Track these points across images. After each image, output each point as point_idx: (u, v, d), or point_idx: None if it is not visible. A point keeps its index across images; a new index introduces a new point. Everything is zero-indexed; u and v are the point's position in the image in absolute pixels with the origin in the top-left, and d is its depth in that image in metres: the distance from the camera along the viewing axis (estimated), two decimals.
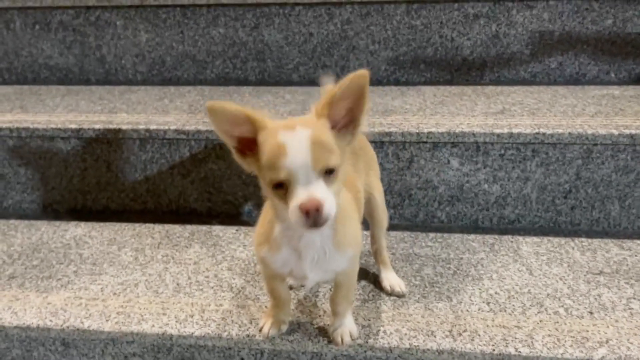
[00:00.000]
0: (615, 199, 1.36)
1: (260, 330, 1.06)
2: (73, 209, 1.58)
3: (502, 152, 1.36)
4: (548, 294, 1.15)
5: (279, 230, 0.89)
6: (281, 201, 0.79)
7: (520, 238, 1.35)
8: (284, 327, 1.06)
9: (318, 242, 0.88)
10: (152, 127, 1.44)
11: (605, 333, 1.03)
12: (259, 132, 0.78)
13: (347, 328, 1.04)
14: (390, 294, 1.16)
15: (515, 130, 1.32)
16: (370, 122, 1.41)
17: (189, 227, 1.45)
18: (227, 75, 1.84)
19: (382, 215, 1.15)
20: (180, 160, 1.48)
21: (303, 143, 0.74)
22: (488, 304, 1.12)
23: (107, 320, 1.12)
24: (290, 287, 1.17)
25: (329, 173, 0.77)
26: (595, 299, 1.13)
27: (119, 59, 1.87)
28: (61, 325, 1.11)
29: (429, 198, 1.43)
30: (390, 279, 1.18)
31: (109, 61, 1.88)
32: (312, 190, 0.75)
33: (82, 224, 1.49)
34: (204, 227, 1.44)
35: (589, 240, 1.33)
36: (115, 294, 1.20)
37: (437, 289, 1.17)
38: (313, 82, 1.79)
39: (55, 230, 1.46)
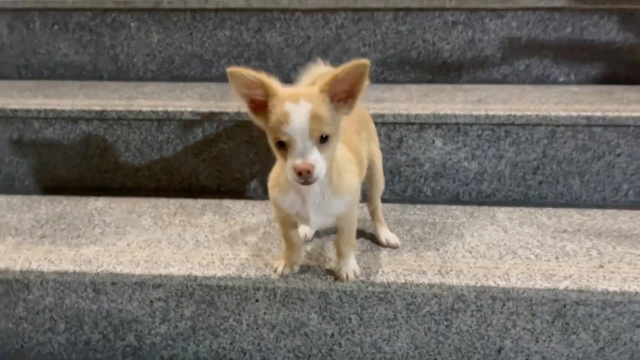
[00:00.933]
0: (576, 174, 1.57)
1: (275, 271, 1.22)
2: (91, 187, 1.71)
3: (480, 132, 1.56)
4: (520, 246, 1.33)
5: (286, 177, 1.04)
6: (282, 157, 0.96)
7: (496, 208, 1.54)
8: (296, 268, 1.22)
9: (317, 189, 1.05)
10: (170, 108, 1.61)
11: (569, 271, 1.22)
12: (269, 97, 0.95)
13: (351, 267, 1.21)
14: (386, 246, 1.34)
15: (490, 113, 1.53)
16: (365, 107, 1.60)
17: (201, 201, 1.60)
18: None
19: (380, 179, 1.34)
20: (193, 141, 1.65)
21: (303, 115, 0.91)
22: (470, 252, 1.30)
23: (137, 266, 1.26)
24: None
25: (323, 141, 0.94)
26: (560, 248, 1.32)
27: (131, 58, 2.04)
28: (95, 270, 1.25)
29: (416, 175, 1.61)
30: (386, 233, 1.36)
31: (121, 59, 2.04)
32: (306, 155, 0.92)
33: (101, 198, 1.63)
34: (215, 201, 1.60)
35: (555, 209, 1.53)
36: (141, 247, 1.34)
37: (426, 243, 1.35)
38: None
39: (76, 203, 1.60)
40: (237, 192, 1.68)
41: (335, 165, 1.04)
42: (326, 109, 0.94)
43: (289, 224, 1.17)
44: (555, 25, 1.89)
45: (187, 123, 1.62)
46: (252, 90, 0.96)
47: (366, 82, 0.96)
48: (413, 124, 1.56)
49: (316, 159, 0.93)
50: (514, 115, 1.52)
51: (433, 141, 1.58)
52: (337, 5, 1.91)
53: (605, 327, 1.21)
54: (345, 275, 1.20)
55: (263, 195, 1.64)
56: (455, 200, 1.62)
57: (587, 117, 1.50)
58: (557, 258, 1.27)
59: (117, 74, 2.06)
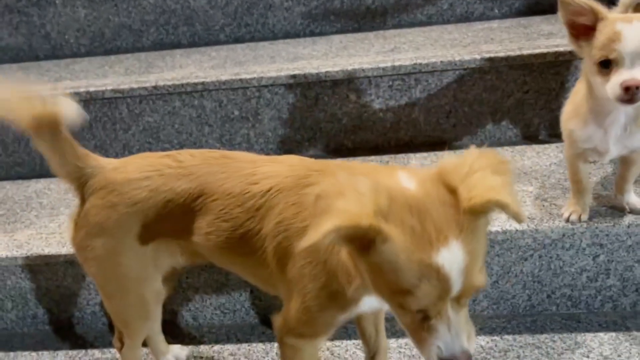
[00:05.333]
0: (487, 114, 1.61)
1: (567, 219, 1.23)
2: (33, 171, 1.80)
3: (390, 83, 1.60)
4: None
5: (589, 107, 1.08)
6: (602, 78, 0.99)
7: (412, 154, 1.60)
8: (585, 216, 1.22)
9: (622, 120, 1.07)
10: (92, 89, 1.66)
11: None
12: (598, 21, 0.99)
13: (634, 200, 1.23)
14: None
15: (397, 63, 1.56)
16: (279, 68, 1.64)
17: None
18: (162, 41, 2.05)
19: None
20: (120, 117, 1.71)
21: (637, 34, 0.94)
22: None
23: (63, 246, 1.36)
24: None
25: None
26: None
27: (63, 35, 2.07)
28: (26, 254, 1.36)
29: (336, 130, 1.67)
30: None
31: (53, 37, 2.07)
32: (635, 72, 0.95)
33: (42, 180, 1.72)
34: None
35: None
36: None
37: None
38: (238, 39, 2.01)
39: (18, 187, 1.69)
40: None
41: None
42: None
43: (580, 158, 1.17)
44: None
45: (111, 101, 1.68)
46: (579, 17, 1.00)
47: None
48: (325, 81, 1.60)
49: None
50: (420, 64, 1.55)
51: (347, 96, 1.62)
52: None
53: (495, 263, 1.29)
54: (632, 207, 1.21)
55: None
56: (375, 150, 1.68)
57: (491, 59, 1.53)
58: None
59: (52, 52, 2.10)
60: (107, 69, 1.87)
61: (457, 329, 0.69)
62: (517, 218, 0.70)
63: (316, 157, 1.68)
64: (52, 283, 1.41)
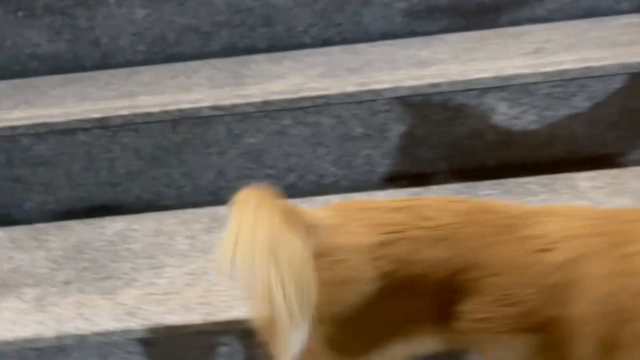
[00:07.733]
0: None
1: None
2: (102, 206, 1.48)
3: (549, 90, 1.35)
4: None
5: None
6: None
7: (574, 175, 1.36)
8: None
9: None
10: (183, 106, 1.36)
11: None
12: None
13: None
14: None
15: (560, 67, 1.31)
16: (412, 76, 1.37)
17: None
18: (234, 45, 1.75)
19: None
20: (215, 139, 1.41)
21: None
22: None
23: (188, 313, 1.06)
24: None
25: None
26: None
27: (115, 40, 1.74)
28: (145, 325, 1.05)
29: (478, 146, 1.41)
30: None
31: (104, 43, 1.74)
32: None
33: (118, 218, 1.40)
34: None
35: None
36: (188, 285, 1.14)
37: None
38: (326, 42, 1.73)
39: (91, 228, 1.37)
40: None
41: None
42: None
43: None
44: None
45: (207, 119, 1.38)
46: None
47: None
48: (472, 89, 1.34)
49: None
50: (589, 68, 1.31)
51: (495, 107, 1.37)
52: None
53: None
54: None
55: (301, 192, 1.43)
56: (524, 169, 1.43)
57: None
58: None
59: (101, 61, 1.76)
60: (182, 79, 1.56)
61: None
62: None
63: (449, 179, 1.46)
64: (172, 357, 1.11)
